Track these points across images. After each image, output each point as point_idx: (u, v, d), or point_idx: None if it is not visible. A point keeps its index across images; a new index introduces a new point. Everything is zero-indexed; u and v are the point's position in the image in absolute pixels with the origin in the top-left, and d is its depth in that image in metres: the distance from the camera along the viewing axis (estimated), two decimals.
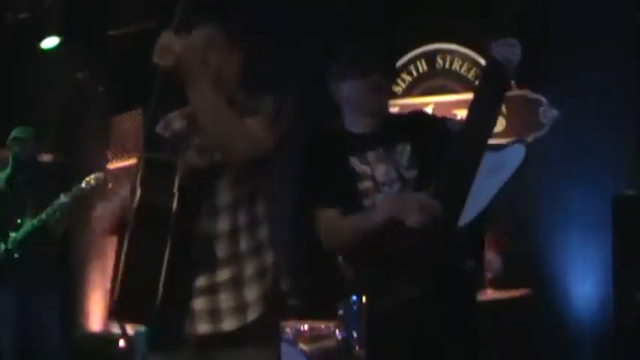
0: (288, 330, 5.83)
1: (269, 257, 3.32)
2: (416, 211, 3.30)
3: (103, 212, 3.18)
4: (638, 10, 6.53)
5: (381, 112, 3.74)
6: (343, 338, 5.61)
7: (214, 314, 3.20)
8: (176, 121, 3.45)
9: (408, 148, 3.65)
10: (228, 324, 3.20)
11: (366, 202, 3.58)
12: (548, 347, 6.51)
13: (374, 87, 3.67)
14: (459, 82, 7.44)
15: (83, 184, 6.42)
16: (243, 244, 3.25)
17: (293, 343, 5.61)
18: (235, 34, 3.39)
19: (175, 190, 3.04)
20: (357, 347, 5.53)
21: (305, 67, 7.24)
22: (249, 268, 3.25)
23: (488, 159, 3.40)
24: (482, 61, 7.26)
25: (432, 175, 3.44)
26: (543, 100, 7.04)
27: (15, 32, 7.84)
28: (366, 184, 3.60)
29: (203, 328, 3.20)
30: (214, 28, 3.33)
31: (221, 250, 3.22)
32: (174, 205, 3.01)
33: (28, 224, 6.46)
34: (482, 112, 3.43)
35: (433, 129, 3.75)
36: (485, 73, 3.69)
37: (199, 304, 3.20)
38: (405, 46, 7.60)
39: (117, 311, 3.03)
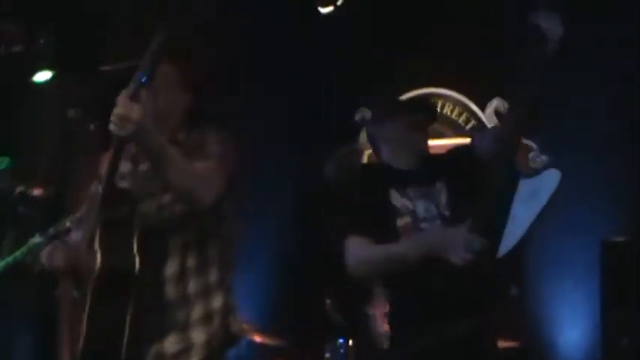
0: None
1: (217, 300, 3.28)
2: (460, 248, 3.30)
3: (54, 251, 3.21)
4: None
5: (422, 150, 3.79)
6: None
7: (160, 357, 3.19)
8: (124, 164, 3.40)
9: (446, 186, 3.67)
10: None
11: (405, 238, 3.58)
12: None
13: (417, 126, 3.76)
14: (449, 127, 7.46)
15: (59, 226, 6.35)
16: (192, 287, 3.22)
17: None
18: (191, 77, 3.41)
19: (135, 251, 3.02)
20: None
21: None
22: (197, 311, 3.23)
23: (523, 185, 3.40)
24: (474, 107, 7.32)
25: (469, 213, 3.43)
26: (533, 145, 7.05)
27: (7, 65, 7.82)
28: (406, 219, 3.59)
29: None
30: (171, 68, 3.30)
31: (170, 292, 3.20)
32: (136, 267, 3.01)
33: (3, 262, 6.38)
34: (519, 105, 3.41)
35: (464, 162, 3.76)
36: (527, 42, 3.38)
37: (148, 347, 3.19)
38: (397, 90, 7.59)
39: None
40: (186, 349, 3.19)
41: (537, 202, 3.39)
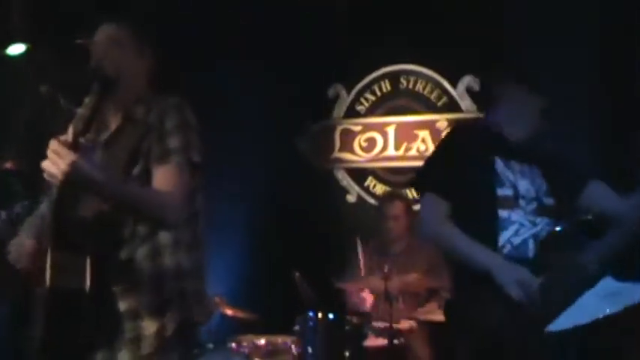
0: (244, 344, 5.85)
1: (173, 288, 3.16)
2: (516, 285, 3.30)
3: (18, 246, 3.15)
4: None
5: (535, 131, 3.76)
6: (299, 354, 5.65)
7: (112, 344, 3.11)
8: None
9: (543, 176, 3.65)
10: (124, 355, 3.11)
11: (502, 213, 3.52)
12: None
13: (542, 108, 3.74)
14: (421, 104, 7.52)
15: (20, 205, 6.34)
16: (143, 274, 3.12)
17: (249, 358, 5.63)
18: (144, 38, 3.37)
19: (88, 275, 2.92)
20: None
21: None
22: (148, 299, 3.12)
23: (610, 283, 3.40)
24: (445, 83, 7.37)
25: (565, 212, 3.49)
26: None
27: None
28: (507, 191, 3.55)
29: (100, 357, 3.12)
30: (117, 27, 3.29)
31: (120, 279, 3.12)
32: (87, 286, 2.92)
33: None
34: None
35: (570, 173, 3.75)
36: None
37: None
38: (369, 66, 7.67)
39: None
40: (137, 339, 3.11)
41: (613, 305, 3.35)
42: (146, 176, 3.10)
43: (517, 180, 3.57)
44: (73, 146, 2.71)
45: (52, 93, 3.53)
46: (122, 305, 3.10)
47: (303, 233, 7.30)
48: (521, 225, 3.52)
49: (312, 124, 7.79)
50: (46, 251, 2.89)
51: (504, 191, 3.54)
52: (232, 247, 7.34)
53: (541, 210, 3.58)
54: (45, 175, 2.76)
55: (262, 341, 5.93)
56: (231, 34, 7.48)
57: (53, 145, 2.73)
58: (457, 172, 3.57)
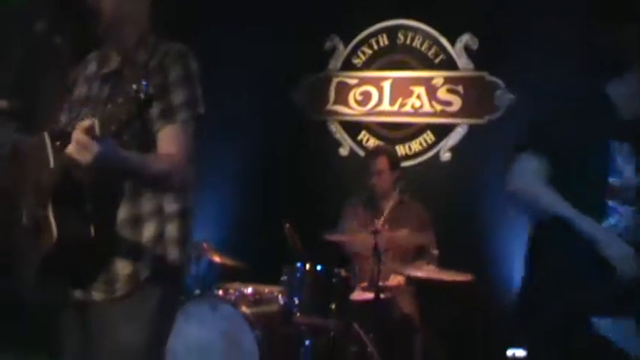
0: (231, 292, 5.87)
1: (148, 231, 3.11)
2: (627, 261, 3.22)
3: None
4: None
5: None
6: (285, 304, 5.66)
7: (86, 283, 3.09)
8: (91, 64, 3.39)
9: None
10: (98, 295, 3.08)
11: (610, 202, 3.33)
12: (487, 330, 6.61)
13: None
14: (418, 59, 7.47)
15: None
16: (121, 214, 3.09)
17: (236, 305, 5.64)
18: None
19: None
20: (297, 314, 5.59)
21: None
22: (123, 242, 3.08)
23: None
24: (443, 40, 7.33)
25: None
26: (501, 83, 7.11)
27: None
28: (616, 179, 3.34)
29: (78, 294, 3.12)
30: None
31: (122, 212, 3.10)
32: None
33: None
34: None
35: None
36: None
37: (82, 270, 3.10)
38: (368, 20, 7.63)
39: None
40: (110, 282, 3.07)
41: None
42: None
43: (624, 165, 3.35)
44: (96, 136, 2.70)
45: (48, 30, 3.48)
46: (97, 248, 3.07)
47: (294, 184, 7.30)
48: (623, 215, 3.34)
49: (307, 76, 7.75)
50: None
51: (613, 178, 3.33)
52: (223, 194, 7.35)
53: None
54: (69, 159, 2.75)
55: (249, 290, 5.96)
56: None
57: (77, 135, 2.69)
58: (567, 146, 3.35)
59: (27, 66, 7.40)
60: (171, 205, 3.17)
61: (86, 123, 2.71)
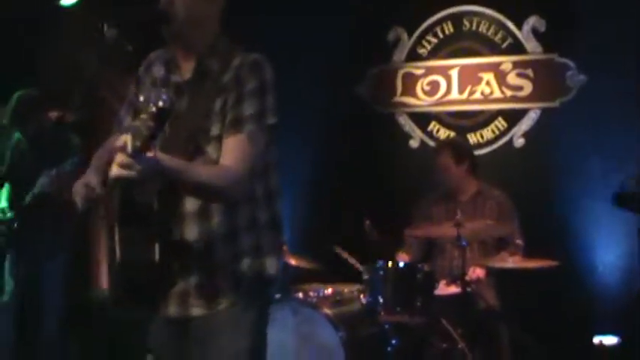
0: (311, 294, 5.77)
1: (246, 241, 3.11)
2: None
3: (79, 188, 3.03)
4: None
5: None
6: (368, 303, 5.56)
7: (185, 297, 3.08)
8: (157, 66, 3.31)
9: None
10: (198, 310, 3.08)
11: None
12: (572, 317, 6.46)
13: None
14: (485, 45, 7.31)
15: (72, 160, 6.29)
16: (216, 226, 3.06)
17: (317, 307, 5.53)
18: None
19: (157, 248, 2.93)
20: (382, 312, 5.49)
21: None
22: (222, 253, 3.07)
23: None
24: (510, 24, 7.18)
25: None
26: (571, 64, 6.94)
27: None
28: None
29: (172, 311, 3.10)
30: None
31: (191, 232, 3.07)
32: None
33: (29, 194, 6.33)
34: None
35: None
36: None
37: (174, 286, 3.08)
38: (431, 8, 7.49)
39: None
40: (212, 295, 3.07)
41: None
42: (221, 140, 3.03)
43: None
44: (136, 155, 2.63)
45: (118, 36, 3.40)
46: (196, 259, 3.06)
47: (366, 180, 7.20)
48: None
49: (372, 69, 7.62)
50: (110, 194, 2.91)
51: None
52: (293, 194, 7.25)
53: None
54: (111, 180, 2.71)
55: (329, 290, 5.86)
56: None
57: (119, 157, 2.64)
58: None
59: (96, 76, 7.39)
60: (263, 216, 3.14)
61: (121, 140, 2.66)
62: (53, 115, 6.68)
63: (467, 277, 5.58)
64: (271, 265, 3.14)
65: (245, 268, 3.09)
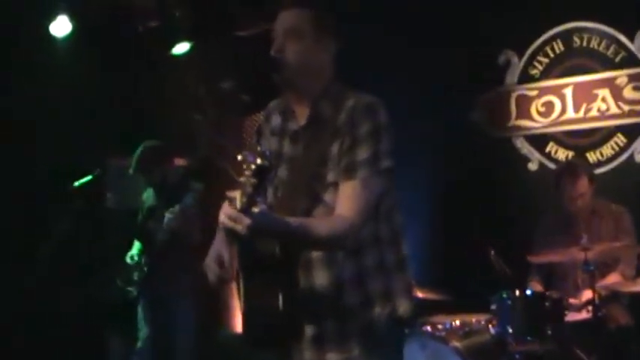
0: (439, 326, 5.71)
1: (375, 284, 3.10)
2: None
3: (211, 263, 3.06)
4: None
5: None
6: (497, 333, 5.48)
7: (319, 343, 3.09)
8: (275, 116, 3.34)
9: None
10: (334, 356, 3.08)
11: None
12: None
13: None
14: (597, 61, 7.17)
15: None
16: (346, 272, 3.07)
17: (445, 340, 5.48)
18: (323, 19, 3.20)
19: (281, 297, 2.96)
20: (512, 342, 5.40)
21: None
22: (352, 297, 3.08)
23: None
24: (621, 37, 7.03)
25: None
26: None
27: (146, 41, 7.92)
28: None
29: (310, 357, 3.11)
30: (296, 15, 3.15)
31: (319, 277, 3.09)
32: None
33: (160, 231, 6.46)
34: None
35: None
36: None
37: (307, 332, 3.10)
38: (539, 28, 7.40)
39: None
40: (346, 341, 3.07)
41: None
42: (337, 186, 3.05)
43: None
44: (245, 210, 2.70)
45: (234, 89, 3.46)
46: (326, 305, 3.08)
47: (486, 206, 7.10)
48: None
49: (484, 94, 7.56)
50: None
51: None
52: (422, 226, 7.21)
53: None
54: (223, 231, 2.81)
55: (457, 322, 5.78)
56: (398, 6, 7.32)
57: (228, 211, 2.71)
58: None
59: (211, 125, 7.55)
60: (390, 257, 3.14)
61: (231, 195, 2.72)
62: (177, 163, 6.86)
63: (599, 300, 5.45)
64: (402, 307, 3.13)
65: (376, 312, 3.09)
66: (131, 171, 6.57)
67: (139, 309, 6.61)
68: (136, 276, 6.57)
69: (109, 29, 7.55)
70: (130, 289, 6.60)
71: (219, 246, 3.03)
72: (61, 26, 7.11)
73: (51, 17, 7.04)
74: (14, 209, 7.05)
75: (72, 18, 7.06)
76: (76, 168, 6.55)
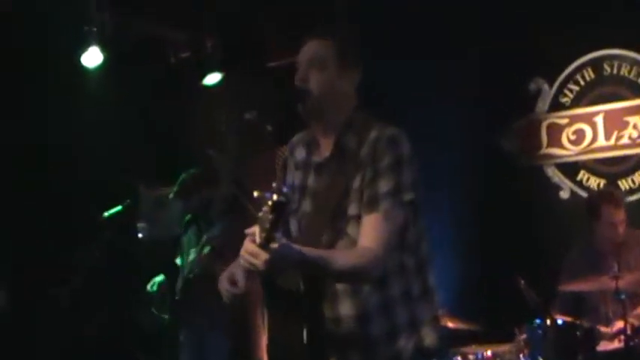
0: (470, 357, 5.69)
1: (402, 315, 3.09)
2: None
3: (224, 281, 3.10)
4: None
5: None
6: None
7: None
8: (299, 149, 3.36)
9: None
10: None
11: None
12: None
13: None
14: (628, 88, 7.14)
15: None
16: (372, 302, 3.07)
17: None
18: (346, 50, 3.21)
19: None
20: None
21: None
22: (378, 328, 3.07)
23: None
24: None
25: None
26: None
27: (178, 72, 8.00)
28: None
29: None
30: (320, 46, 3.17)
31: (344, 308, 3.09)
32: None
33: (188, 265, 6.54)
34: None
35: None
36: None
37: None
38: (569, 56, 7.40)
39: None
40: None
41: None
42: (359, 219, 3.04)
43: None
44: (263, 245, 2.69)
45: (258, 120, 3.49)
46: (353, 336, 3.07)
47: (517, 235, 7.07)
48: None
49: (515, 122, 7.55)
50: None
51: None
52: (449, 256, 7.19)
53: None
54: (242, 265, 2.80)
55: (488, 352, 5.76)
56: (427, 32, 7.35)
57: (247, 246, 2.72)
58: None
59: (237, 152, 7.60)
60: (416, 287, 3.12)
61: (251, 230, 2.72)
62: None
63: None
64: (428, 337, 3.12)
65: (403, 343, 3.08)
66: (171, 196, 6.69)
67: (180, 336, 6.68)
68: (168, 304, 6.63)
69: (141, 60, 7.63)
70: (164, 316, 6.66)
71: (234, 268, 3.06)
72: (92, 57, 7.18)
73: (83, 48, 7.11)
74: (50, 237, 7.13)
75: (103, 49, 7.13)
76: (109, 198, 6.63)
